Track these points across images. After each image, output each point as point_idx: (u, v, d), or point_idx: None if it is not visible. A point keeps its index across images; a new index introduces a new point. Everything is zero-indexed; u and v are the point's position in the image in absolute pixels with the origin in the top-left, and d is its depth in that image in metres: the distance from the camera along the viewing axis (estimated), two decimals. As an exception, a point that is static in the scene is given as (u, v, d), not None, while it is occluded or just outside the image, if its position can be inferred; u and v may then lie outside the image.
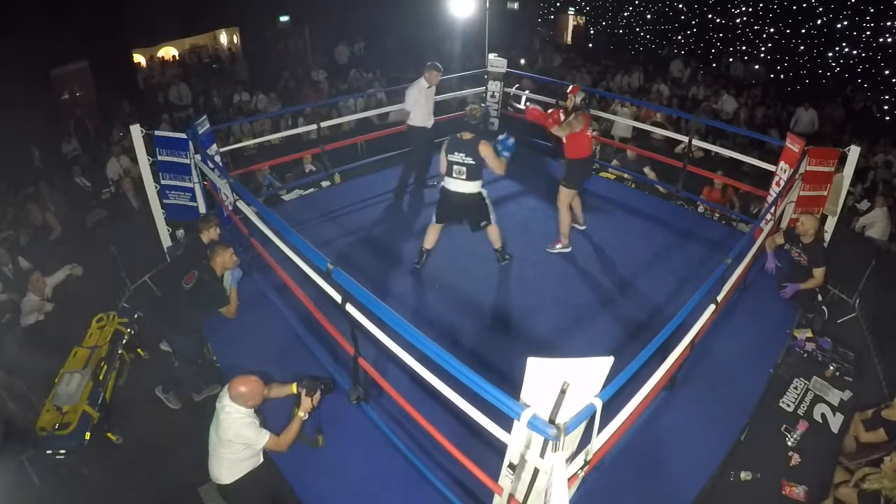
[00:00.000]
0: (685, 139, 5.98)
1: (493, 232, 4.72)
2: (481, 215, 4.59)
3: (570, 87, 4.89)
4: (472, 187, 4.42)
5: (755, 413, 3.60)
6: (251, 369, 3.00)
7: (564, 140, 4.83)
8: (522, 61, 7.32)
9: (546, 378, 1.89)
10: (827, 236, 4.93)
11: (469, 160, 4.33)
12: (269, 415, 3.12)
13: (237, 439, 2.80)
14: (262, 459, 3.03)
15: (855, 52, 11.42)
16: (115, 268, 5.24)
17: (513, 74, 7.44)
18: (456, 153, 4.37)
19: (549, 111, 4.93)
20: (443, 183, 4.52)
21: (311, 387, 2.97)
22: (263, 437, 2.85)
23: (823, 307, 4.56)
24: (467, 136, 4.39)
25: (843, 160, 4.79)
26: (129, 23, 10.41)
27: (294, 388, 3.03)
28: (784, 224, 5.01)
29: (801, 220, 4.39)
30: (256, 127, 8.95)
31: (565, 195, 4.93)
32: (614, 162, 7.11)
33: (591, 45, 15.78)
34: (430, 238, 4.72)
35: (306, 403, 2.97)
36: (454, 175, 4.40)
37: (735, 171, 6.60)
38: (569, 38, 16.88)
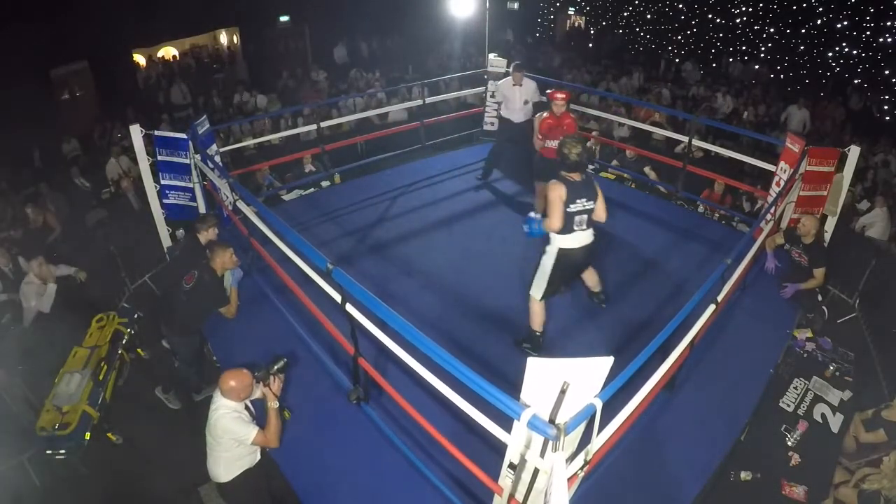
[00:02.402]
0: (685, 139, 5.98)
1: (594, 274, 4.21)
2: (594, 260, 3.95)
3: (550, 92, 4.88)
4: (592, 234, 3.64)
5: (755, 413, 3.60)
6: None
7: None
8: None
9: (546, 378, 1.89)
10: (827, 236, 4.93)
11: (590, 205, 3.52)
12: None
13: (226, 435, 2.81)
14: (259, 457, 3.03)
15: (855, 52, 11.41)
16: (115, 268, 5.24)
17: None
18: (577, 201, 3.45)
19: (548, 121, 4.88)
20: (557, 244, 3.57)
21: (264, 376, 2.94)
22: (251, 432, 2.84)
23: (823, 307, 4.56)
24: (577, 176, 3.48)
25: (843, 160, 4.79)
26: (129, 23, 10.40)
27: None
28: (784, 224, 5.01)
29: (802, 222, 4.38)
30: (256, 127, 8.95)
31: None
32: (614, 162, 7.10)
33: (591, 44, 15.78)
34: (542, 316, 3.82)
35: (269, 393, 2.95)
36: (575, 228, 3.49)
37: (735, 171, 6.61)
38: (561, 37, 16.87)
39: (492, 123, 7.54)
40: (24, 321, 4.70)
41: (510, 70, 6.24)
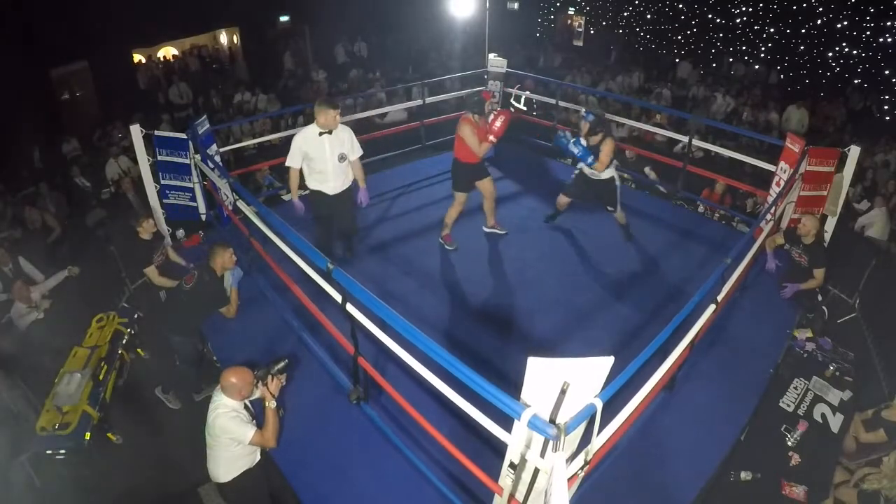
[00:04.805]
0: (685, 139, 5.98)
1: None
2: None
3: (485, 92, 4.77)
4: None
5: (755, 413, 3.60)
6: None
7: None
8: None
9: (546, 378, 1.89)
10: (827, 236, 4.93)
11: None
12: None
13: (223, 434, 2.81)
14: (258, 458, 3.03)
15: (855, 52, 11.41)
16: (115, 268, 5.24)
17: (513, 74, 7.44)
18: None
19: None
20: (615, 171, 5.06)
21: (264, 376, 2.95)
22: (249, 432, 2.83)
23: (823, 307, 4.56)
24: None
25: (843, 160, 4.79)
26: (129, 23, 10.41)
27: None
28: (784, 224, 5.00)
29: (802, 222, 4.38)
30: (256, 127, 8.94)
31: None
32: (614, 162, 7.09)
33: (588, 44, 15.76)
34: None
35: (267, 392, 2.95)
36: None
37: (736, 171, 6.60)
38: (561, 37, 16.85)
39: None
40: (19, 326, 4.69)
41: (317, 107, 4.09)
